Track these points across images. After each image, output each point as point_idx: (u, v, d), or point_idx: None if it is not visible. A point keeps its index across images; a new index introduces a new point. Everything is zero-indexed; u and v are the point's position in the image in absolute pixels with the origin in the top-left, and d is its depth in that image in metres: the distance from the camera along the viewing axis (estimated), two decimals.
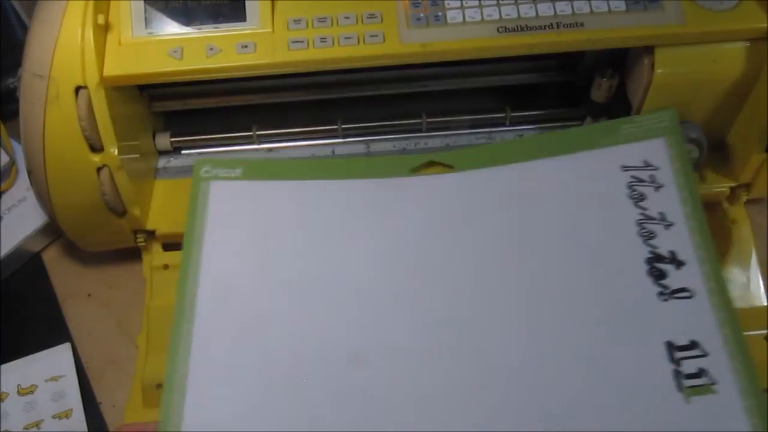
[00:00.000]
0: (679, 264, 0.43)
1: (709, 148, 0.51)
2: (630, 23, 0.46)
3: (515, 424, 0.40)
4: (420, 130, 0.55)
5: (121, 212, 0.49)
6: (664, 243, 0.44)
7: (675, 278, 0.43)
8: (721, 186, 0.52)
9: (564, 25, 0.46)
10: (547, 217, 0.46)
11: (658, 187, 0.46)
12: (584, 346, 0.41)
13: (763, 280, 0.50)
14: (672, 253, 0.43)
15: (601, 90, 0.52)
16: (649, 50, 0.47)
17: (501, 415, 0.40)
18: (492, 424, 0.40)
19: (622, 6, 0.46)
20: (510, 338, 0.42)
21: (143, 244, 0.52)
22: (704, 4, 0.46)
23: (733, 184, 0.52)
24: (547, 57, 0.53)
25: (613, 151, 0.48)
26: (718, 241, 0.51)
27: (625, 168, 0.47)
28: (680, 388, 0.39)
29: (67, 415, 0.47)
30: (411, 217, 0.47)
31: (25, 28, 0.63)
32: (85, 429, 0.47)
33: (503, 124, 0.55)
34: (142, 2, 0.48)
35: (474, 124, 0.55)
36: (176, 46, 0.47)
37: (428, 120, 0.54)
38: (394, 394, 0.41)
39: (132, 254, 0.53)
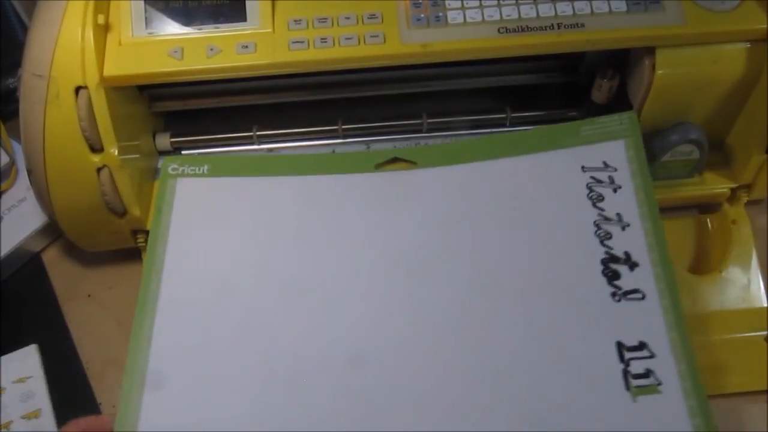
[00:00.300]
0: (632, 266, 0.44)
1: (710, 149, 0.51)
2: (631, 24, 0.46)
3: (476, 422, 0.40)
4: (420, 131, 0.55)
5: (121, 212, 0.49)
6: (620, 244, 0.45)
7: (628, 279, 0.44)
8: (721, 187, 0.52)
9: (565, 26, 0.46)
10: (507, 214, 0.47)
11: (616, 189, 0.47)
12: (538, 344, 0.42)
13: (764, 281, 0.50)
14: (627, 254, 0.44)
15: (601, 91, 0.52)
16: (649, 51, 0.47)
17: (459, 412, 0.41)
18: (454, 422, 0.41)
19: (623, 7, 0.46)
20: (463, 334, 0.43)
21: (143, 244, 0.52)
22: (705, 4, 0.46)
23: (733, 185, 0.52)
24: (548, 58, 0.53)
25: (573, 151, 0.49)
26: (719, 241, 0.52)
27: (585, 169, 0.48)
28: (628, 387, 0.40)
29: (36, 415, 0.47)
30: (375, 213, 0.48)
31: (25, 28, 0.63)
32: (55, 428, 0.47)
33: (504, 125, 0.55)
34: (143, 2, 0.48)
35: (474, 125, 0.55)
36: (176, 46, 0.47)
37: (429, 120, 0.54)
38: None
39: (132, 254, 0.53)
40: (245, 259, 0.47)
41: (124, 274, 0.54)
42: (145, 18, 0.47)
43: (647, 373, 0.41)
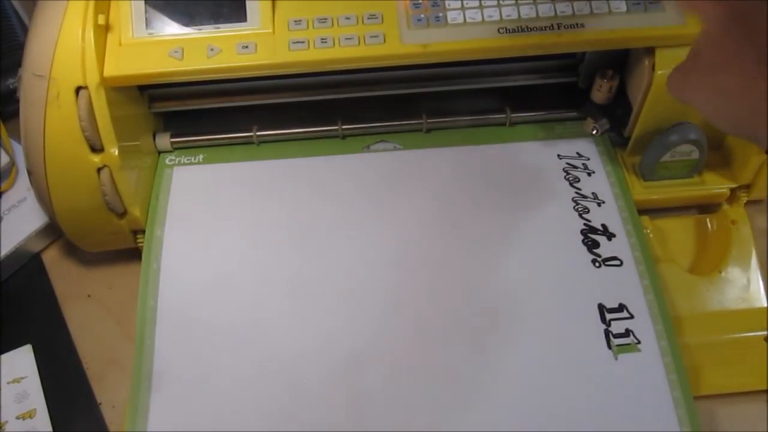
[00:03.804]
0: (610, 236, 0.48)
1: (710, 149, 0.51)
2: (630, 24, 0.46)
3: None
4: (420, 131, 0.55)
5: (121, 213, 0.49)
6: (597, 217, 0.49)
7: (607, 248, 0.48)
8: (721, 187, 0.52)
9: (564, 26, 0.46)
10: (490, 189, 0.51)
11: (590, 173, 0.52)
12: (527, 307, 0.46)
13: (763, 281, 0.50)
14: (604, 226, 0.49)
15: (601, 91, 0.52)
16: (649, 51, 0.47)
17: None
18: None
19: (623, 7, 0.46)
20: (456, 298, 0.46)
21: (143, 244, 0.52)
22: None
23: (733, 185, 0.52)
24: (548, 58, 0.53)
25: (548, 143, 0.54)
26: (719, 241, 0.52)
27: (561, 156, 0.53)
28: (610, 346, 0.44)
29: (30, 415, 0.47)
30: (367, 190, 0.51)
31: (25, 29, 0.63)
32: (50, 428, 0.47)
33: (503, 125, 0.55)
34: (143, 2, 0.48)
35: (475, 125, 0.55)
36: (177, 46, 0.47)
37: (429, 120, 0.54)
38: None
39: (132, 254, 0.53)
40: (243, 241, 0.49)
41: (124, 274, 0.54)
42: (146, 18, 0.47)
43: (627, 333, 0.45)
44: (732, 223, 0.52)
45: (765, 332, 0.48)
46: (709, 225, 0.53)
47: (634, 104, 0.50)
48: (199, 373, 0.44)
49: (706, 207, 0.54)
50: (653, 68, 0.47)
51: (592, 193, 0.50)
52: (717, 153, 0.53)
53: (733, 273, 0.50)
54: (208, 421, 0.42)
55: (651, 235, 0.51)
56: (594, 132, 0.52)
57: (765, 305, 0.49)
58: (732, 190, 0.52)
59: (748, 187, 0.52)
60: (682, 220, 0.53)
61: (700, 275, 0.50)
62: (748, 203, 0.53)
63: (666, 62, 0.47)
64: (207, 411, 0.43)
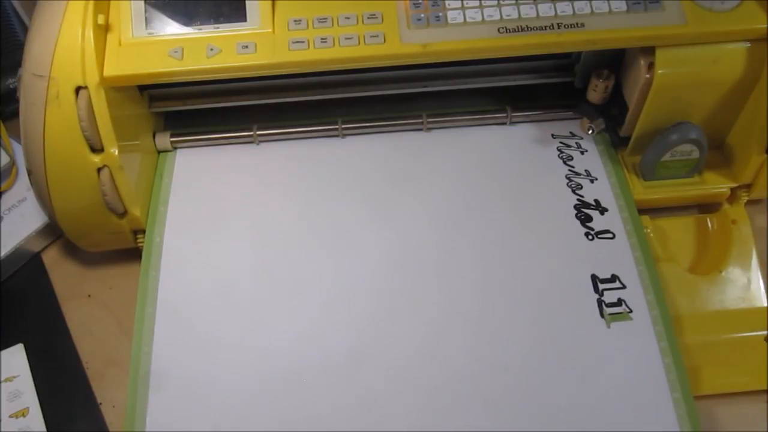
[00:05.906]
0: (602, 210, 0.50)
1: (710, 149, 0.51)
2: (631, 24, 0.46)
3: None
4: (421, 130, 0.55)
5: (122, 213, 0.49)
6: (590, 193, 0.51)
7: (599, 222, 0.50)
8: (721, 186, 0.52)
9: (565, 26, 0.46)
10: (485, 167, 0.53)
11: (583, 152, 0.53)
12: (521, 280, 0.47)
13: (764, 280, 0.50)
14: (596, 201, 0.51)
15: (597, 91, 0.52)
16: (644, 51, 0.47)
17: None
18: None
19: (623, 6, 0.46)
20: (463, 273, 0.47)
21: (143, 244, 0.52)
22: (705, 4, 0.46)
23: (733, 185, 0.52)
24: (544, 57, 0.53)
25: (542, 124, 0.55)
26: (719, 241, 0.52)
27: (555, 136, 0.54)
28: (603, 314, 0.45)
29: (23, 413, 0.47)
30: (359, 168, 0.53)
31: (25, 28, 0.63)
32: (43, 427, 0.47)
33: (504, 125, 0.55)
34: (143, 2, 0.48)
35: (475, 124, 0.55)
36: (176, 46, 0.47)
37: (429, 120, 0.54)
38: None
39: (132, 255, 0.53)
40: (244, 235, 0.50)
41: (124, 274, 0.54)
42: (145, 18, 0.47)
43: (619, 302, 0.46)
44: (732, 222, 0.52)
45: (765, 332, 0.48)
46: (709, 224, 0.53)
47: (630, 104, 0.50)
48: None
49: (706, 206, 0.54)
50: (650, 67, 0.47)
51: (585, 170, 0.52)
52: (717, 152, 0.53)
53: (734, 273, 0.50)
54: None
55: (651, 235, 0.51)
56: (590, 132, 0.52)
57: (765, 305, 0.49)
58: (732, 190, 0.52)
59: (748, 187, 0.52)
60: (683, 219, 0.53)
61: (701, 275, 0.50)
62: (749, 203, 0.53)
63: (666, 62, 0.47)
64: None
